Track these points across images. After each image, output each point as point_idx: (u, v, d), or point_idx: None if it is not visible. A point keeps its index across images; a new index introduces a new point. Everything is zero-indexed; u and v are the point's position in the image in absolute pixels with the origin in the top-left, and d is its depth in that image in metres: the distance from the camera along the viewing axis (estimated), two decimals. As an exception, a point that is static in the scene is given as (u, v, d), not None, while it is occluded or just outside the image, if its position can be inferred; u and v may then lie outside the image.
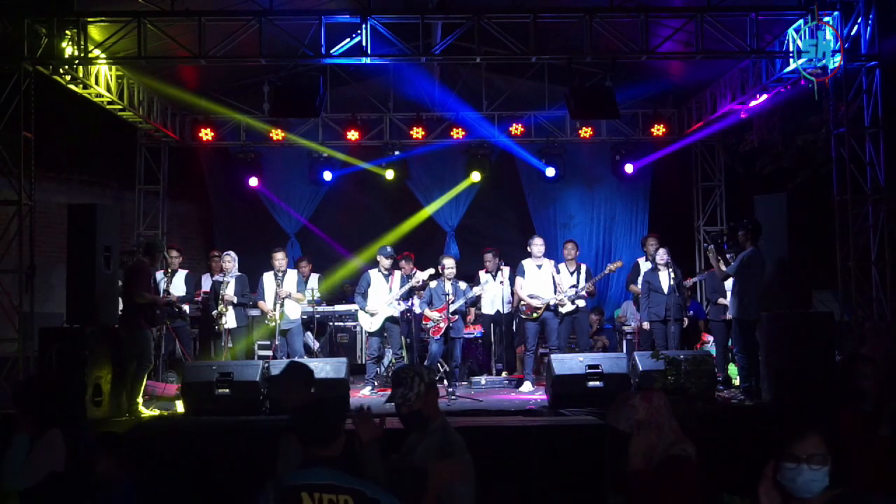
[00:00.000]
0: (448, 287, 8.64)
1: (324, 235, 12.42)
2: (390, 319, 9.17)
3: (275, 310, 8.95)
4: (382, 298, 9.15)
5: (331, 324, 10.64)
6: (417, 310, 9.25)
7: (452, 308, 8.56)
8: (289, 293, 9.03)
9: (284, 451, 3.70)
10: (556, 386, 7.47)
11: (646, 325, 9.05)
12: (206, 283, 10.26)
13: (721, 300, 9.00)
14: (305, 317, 9.55)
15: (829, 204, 8.42)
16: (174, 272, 9.51)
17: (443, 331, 8.56)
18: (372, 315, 9.14)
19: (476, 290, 8.83)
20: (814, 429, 2.87)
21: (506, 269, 9.85)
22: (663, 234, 9.95)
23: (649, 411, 3.22)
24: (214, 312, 9.25)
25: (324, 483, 2.89)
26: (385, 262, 9.28)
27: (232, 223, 12.77)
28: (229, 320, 9.17)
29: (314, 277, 10.33)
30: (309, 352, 9.73)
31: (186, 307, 9.70)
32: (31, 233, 8.07)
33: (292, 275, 9.25)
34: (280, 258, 9.13)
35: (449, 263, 8.81)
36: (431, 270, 9.08)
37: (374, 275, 9.29)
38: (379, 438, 3.33)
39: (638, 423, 3.22)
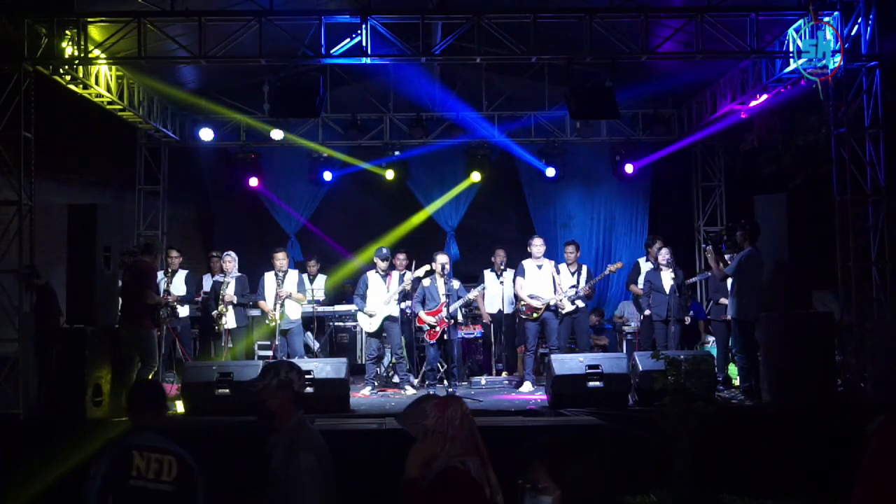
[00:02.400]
0: (441, 287, 8.58)
1: (324, 235, 12.42)
2: (389, 319, 9.17)
3: (275, 310, 8.95)
4: (380, 299, 9.15)
5: (331, 324, 10.64)
6: (415, 310, 9.24)
7: (446, 313, 8.46)
8: (289, 293, 9.03)
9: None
10: (556, 386, 7.47)
11: (647, 312, 9.00)
12: (207, 284, 10.27)
13: (722, 300, 9.00)
14: (306, 316, 9.56)
15: (829, 204, 8.41)
16: (174, 272, 9.53)
17: (438, 335, 8.52)
18: (370, 316, 9.15)
19: (471, 294, 8.78)
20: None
21: (509, 271, 9.84)
22: (663, 234, 9.95)
23: (440, 420, 3.05)
24: (214, 313, 9.26)
25: (152, 445, 3.40)
26: (381, 264, 9.29)
27: (232, 223, 12.77)
28: (229, 320, 9.18)
29: (321, 278, 10.34)
30: (309, 352, 9.74)
31: (186, 308, 9.70)
32: (31, 233, 8.06)
33: (293, 275, 9.25)
34: (281, 258, 9.13)
35: (442, 259, 8.75)
36: (426, 268, 9.07)
37: (372, 276, 9.30)
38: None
39: (425, 430, 3.05)
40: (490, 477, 3.05)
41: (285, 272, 9.14)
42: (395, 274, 9.37)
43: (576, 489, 2.89)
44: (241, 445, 6.75)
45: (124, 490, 3.29)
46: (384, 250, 9.42)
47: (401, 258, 9.83)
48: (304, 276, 10.24)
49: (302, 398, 3.55)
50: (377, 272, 9.29)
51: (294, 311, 9.19)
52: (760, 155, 11.50)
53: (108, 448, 3.46)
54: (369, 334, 9.28)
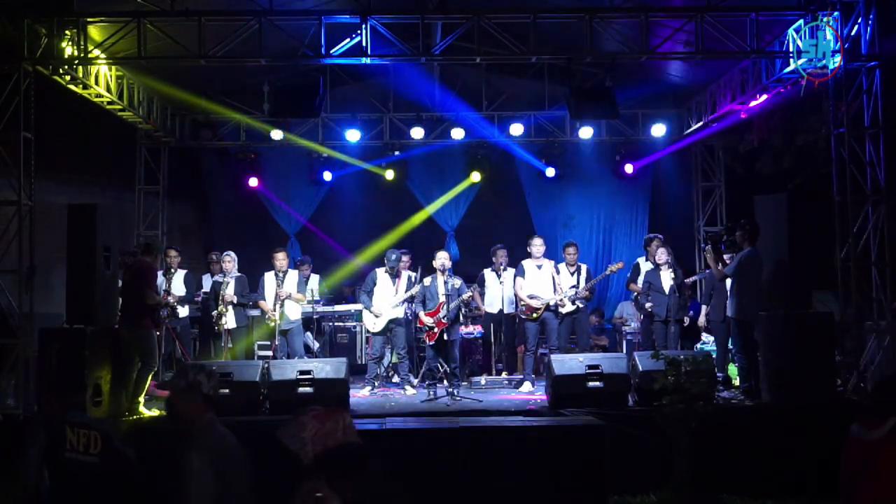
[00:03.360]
0: (441, 286, 8.57)
1: (324, 235, 12.42)
2: (394, 322, 9.16)
3: (275, 310, 8.95)
4: (387, 300, 9.14)
5: (331, 324, 10.64)
6: (415, 310, 9.23)
7: (444, 313, 8.44)
8: (289, 294, 9.03)
9: None
10: (556, 386, 7.47)
11: (648, 306, 8.96)
12: (206, 284, 10.27)
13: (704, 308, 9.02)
14: (306, 317, 9.56)
15: (829, 204, 8.41)
16: (173, 272, 9.53)
17: (437, 337, 8.51)
18: (376, 316, 9.14)
19: (465, 296, 8.76)
20: None
21: (509, 270, 9.83)
22: (663, 234, 9.94)
23: (319, 432, 2.98)
24: (214, 313, 9.26)
25: (80, 421, 3.99)
26: (390, 266, 9.27)
27: (232, 223, 12.77)
28: (229, 320, 9.18)
29: (314, 278, 10.34)
30: (309, 352, 9.73)
31: (186, 308, 9.70)
32: (31, 233, 8.06)
33: (293, 275, 9.24)
34: (281, 258, 9.13)
35: (442, 257, 8.73)
36: (428, 280, 9.06)
37: (381, 274, 9.27)
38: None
39: (303, 443, 2.98)
40: None
41: (285, 272, 9.13)
42: (405, 276, 9.35)
43: (357, 499, 2.84)
44: (241, 446, 6.76)
45: (59, 462, 3.87)
46: (394, 255, 9.31)
47: (404, 259, 9.82)
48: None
49: (211, 400, 3.60)
50: (387, 270, 9.27)
51: (294, 312, 9.18)
52: (760, 155, 11.52)
53: (42, 426, 4.05)
54: (373, 333, 9.27)
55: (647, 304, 9.02)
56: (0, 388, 7.87)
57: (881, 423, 3.26)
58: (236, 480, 3.38)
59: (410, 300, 9.10)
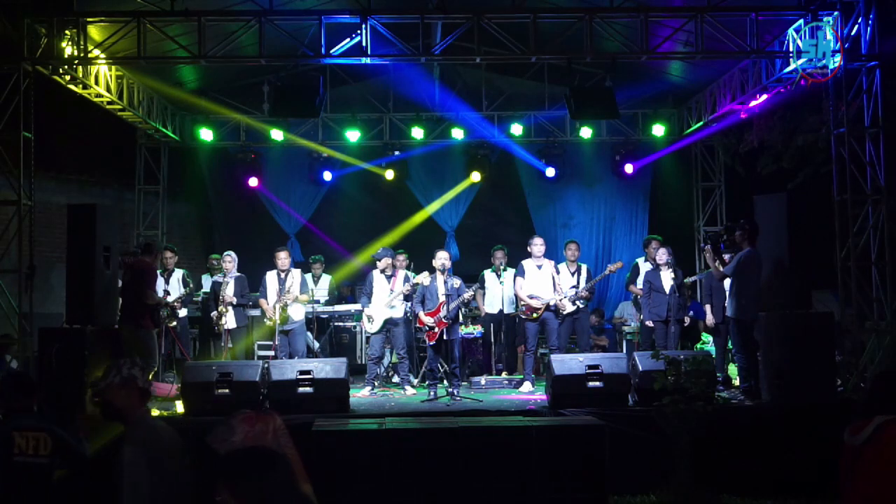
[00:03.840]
0: (441, 286, 8.57)
1: (324, 235, 12.41)
2: (391, 322, 9.16)
3: (275, 310, 8.94)
4: (381, 300, 9.15)
5: (331, 324, 10.64)
6: (415, 310, 9.22)
7: (444, 313, 8.45)
8: (295, 297, 9.04)
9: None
10: (556, 386, 7.46)
11: (649, 323, 9.02)
12: (206, 284, 10.27)
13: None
14: (307, 317, 9.56)
15: (829, 204, 8.42)
16: (170, 273, 9.54)
17: (437, 336, 8.51)
18: (370, 317, 9.15)
19: (466, 295, 8.77)
20: None
21: (509, 270, 9.84)
22: (663, 234, 9.95)
23: (248, 435, 2.97)
24: (214, 313, 9.26)
25: (28, 425, 3.97)
26: (380, 264, 9.29)
27: (232, 223, 12.76)
28: (229, 321, 9.18)
29: (325, 278, 10.34)
30: (309, 352, 9.73)
31: (185, 310, 9.70)
32: (30, 233, 8.06)
33: (296, 274, 9.25)
34: (283, 257, 9.14)
35: (442, 256, 8.73)
36: (426, 274, 9.07)
37: (377, 276, 9.28)
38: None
39: (233, 446, 2.95)
40: (306, 489, 2.97)
41: (287, 271, 9.14)
42: (401, 274, 9.36)
43: None
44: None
45: (8, 466, 3.87)
46: (381, 251, 9.43)
47: (400, 259, 9.82)
48: (308, 276, 10.25)
49: (146, 394, 3.63)
50: (382, 272, 9.28)
51: (297, 312, 9.20)
52: (760, 155, 11.51)
53: None
54: (371, 333, 9.27)
55: (648, 323, 9.02)
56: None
57: (866, 426, 3.32)
58: (170, 473, 3.39)
59: (407, 298, 9.10)
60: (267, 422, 3.08)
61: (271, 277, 9.18)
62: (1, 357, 8.17)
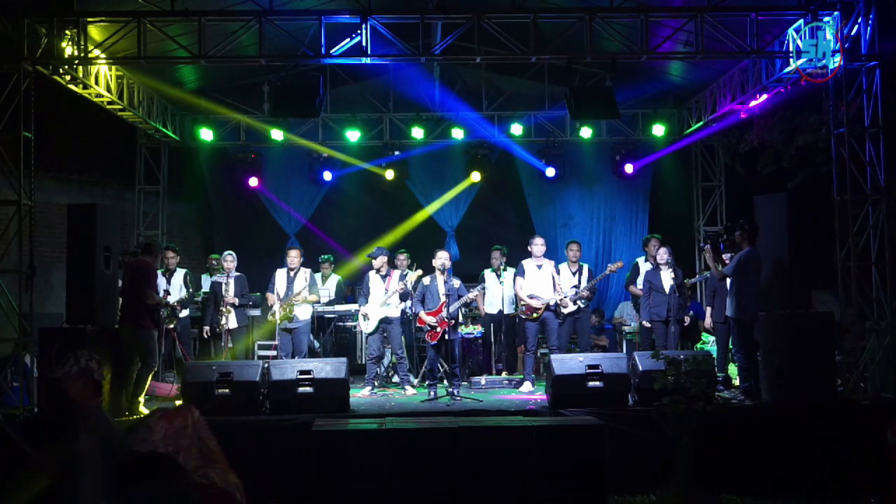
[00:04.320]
0: (441, 286, 8.57)
1: (324, 235, 12.42)
2: (386, 321, 9.16)
3: (280, 308, 8.94)
4: (377, 300, 9.15)
5: (331, 324, 10.64)
6: (415, 309, 9.22)
7: (445, 313, 8.45)
8: (305, 298, 9.05)
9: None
10: (556, 386, 7.46)
11: (646, 324, 9.04)
12: (206, 284, 10.27)
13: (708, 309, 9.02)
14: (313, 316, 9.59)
15: (829, 204, 8.41)
16: (172, 273, 9.54)
17: (439, 336, 8.51)
18: (365, 317, 9.16)
19: (471, 294, 8.76)
20: None
21: (509, 270, 9.84)
22: (663, 234, 9.95)
23: (168, 432, 3.02)
24: (216, 319, 9.29)
25: None
26: (375, 264, 9.31)
27: (232, 223, 12.77)
28: (230, 321, 9.20)
29: (334, 278, 10.36)
30: (310, 351, 9.73)
31: (186, 311, 9.70)
32: (30, 233, 8.06)
33: (305, 273, 9.27)
34: (293, 256, 9.20)
35: (442, 256, 8.74)
36: (419, 272, 9.07)
37: (373, 276, 9.30)
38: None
39: (154, 445, 3.01)
40: (231, 478, 3.02)
41: (297, 270, 9.17)
42: (396, 274, 9.37)
43: None
44: (241, 445, 6.76)
45: None
46: (375, 250, 9.45)
47: (401, 258, 9.82)
48: (318, 275, 10.26)
49: (100, 386, 3.70)
50: (378, 272, 9.30)
51: (304, 311, 9.22)
52: (760, 155, 11.51)
53: None
54: (368, 333, 9.28)
55: (646, 324, 9.03)
56: (0, 389, 7.88)
57: None
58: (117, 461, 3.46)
59: (403, 297, 9.10)
60: (185, 417, 3.14)
61: (281, 275, 9.21)
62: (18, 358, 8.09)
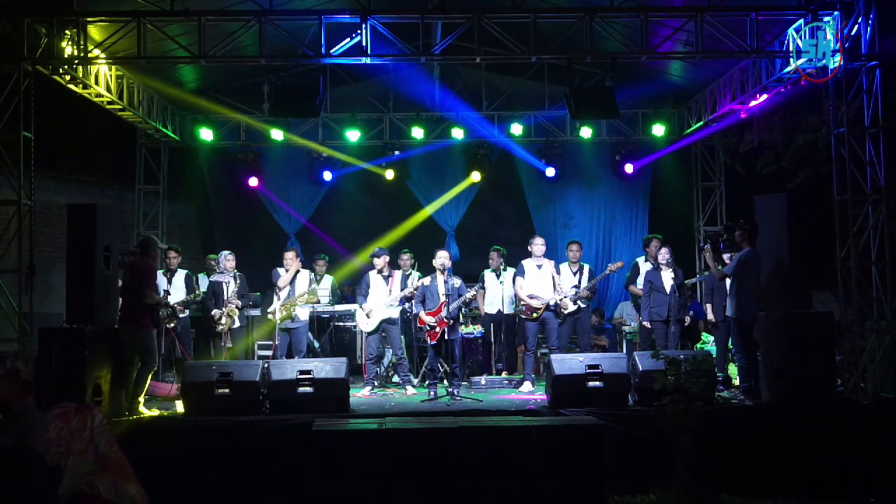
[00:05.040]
0: (441, 286, 8.56)
1: (324, 235, 12.41)
2: (387, 321, 9.16)
3: (283, 308, 8.94)
4: (381, 300, 9.15)
5: (331, 324, 10.64)
6: (415, 309, 9.22)
7: (445, 313, 8.44)
8: (305, 299, 9.06)
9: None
10: (556, 386, 7.46)
11: (646, 324, 9.04)
12: (204, 284, 10.26)
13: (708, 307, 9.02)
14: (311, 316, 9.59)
15: (829, 204, 8.41)
16: (173, 273, 9.54)
17: (439, 335, 8.50)
18: (367, 315, 9.15)
19: (469, 294, 8.75)
20: None
21: (509, 270, 9.83)
22: (663, 233, 9.95)
23: (63, 431, 2.96)
24: (215, 312, 9.26)
25: None
26: (378, 263, 9.30)
27: (232, 223, 12.76)
28: (235, 321, 9.23)
29: (328, 278, 10.38)
30: (309, 351, 9.73)
31: (186, 311, 9.69)
32: (30, 233, 8.06)
33: (305, 275, 9.27)
34: (290, 258, 9.22)
35: (442, 256, 8.73)
36: (427, 280, 9.05)
37: (374, 276, 9.29)
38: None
39: (47, 444, 2.93)
40: (129, 490, 2.91)
41: (297, 271, 9.18)
42: (398, 274, 9.36)
43: None
44: (241, 445, 6.77)
45: None
46: (377, 250, 9.45)
47: (405, 258, 9.82)
48: (313, 275, 10.27)
49: (29, 386, 3.77)
50: (379, 272, 9.29)
51: (303, 311, 9.25)
52: (760, 155, 11.51)
53: None
54: (368, 333, 9.28)
55: (646, 324, 9.03)
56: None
57: None
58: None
59: (407, 299, 9.10)
60: (84, 419, 3.08)
61: (282, 275, 9.23)
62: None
